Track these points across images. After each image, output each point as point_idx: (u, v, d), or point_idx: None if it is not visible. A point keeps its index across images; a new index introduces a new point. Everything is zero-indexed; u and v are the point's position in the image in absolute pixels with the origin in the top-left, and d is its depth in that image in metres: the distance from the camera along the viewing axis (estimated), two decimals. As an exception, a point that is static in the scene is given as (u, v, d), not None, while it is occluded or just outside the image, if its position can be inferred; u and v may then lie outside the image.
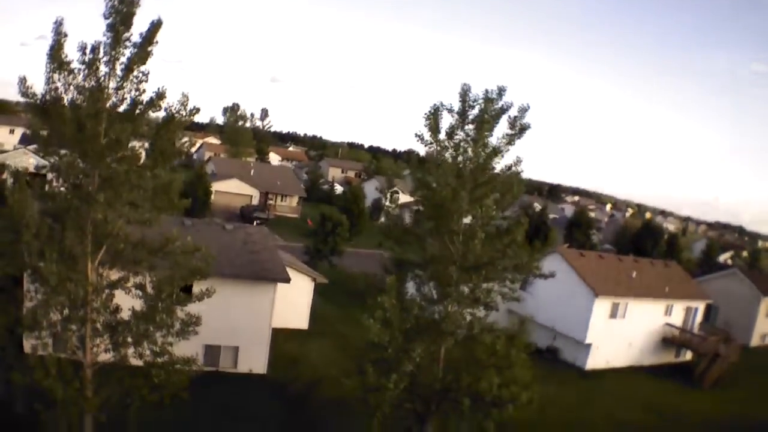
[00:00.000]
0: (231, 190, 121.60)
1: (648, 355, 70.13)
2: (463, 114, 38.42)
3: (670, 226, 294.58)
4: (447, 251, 38.57)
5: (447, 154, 38.78)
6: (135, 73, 29.48)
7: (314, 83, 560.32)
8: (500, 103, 38.10)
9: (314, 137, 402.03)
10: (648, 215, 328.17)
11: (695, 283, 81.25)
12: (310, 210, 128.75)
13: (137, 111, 29.93)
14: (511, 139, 38.66)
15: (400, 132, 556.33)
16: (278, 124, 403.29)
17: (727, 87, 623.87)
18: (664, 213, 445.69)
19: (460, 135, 38.57)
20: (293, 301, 56.12)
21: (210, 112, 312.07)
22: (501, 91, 38.09)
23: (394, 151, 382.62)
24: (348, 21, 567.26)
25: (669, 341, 71.25)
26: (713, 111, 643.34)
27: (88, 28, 30.59)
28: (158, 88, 30.25)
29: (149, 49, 29.63)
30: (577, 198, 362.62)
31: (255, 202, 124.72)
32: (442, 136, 38.61)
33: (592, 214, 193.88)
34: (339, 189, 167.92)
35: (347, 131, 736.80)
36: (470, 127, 38.31)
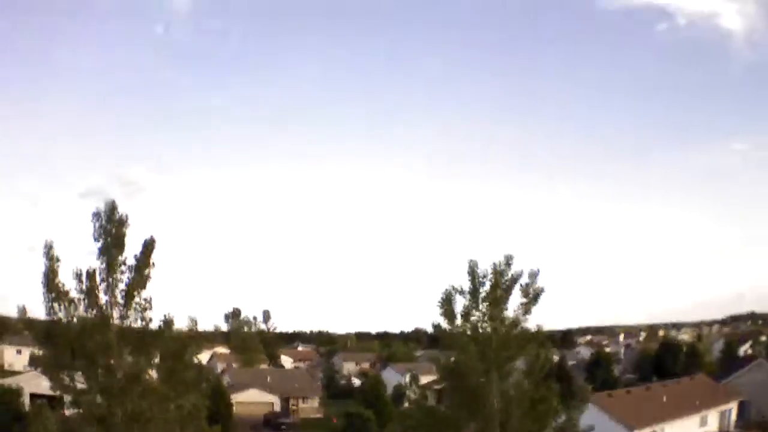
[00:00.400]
0: (251, 399, 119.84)
1: None
2: (474, 293, 39.55)
3: (685, 336, 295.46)
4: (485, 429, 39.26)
5: (466, 336, 39.64)
6: (137, 299, 29.50)
7: (314, 278, 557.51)
8: (510, 273, 39.42)
9: (320, 332, 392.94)
10: (661, 333, 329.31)
11: (723, 387, 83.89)
12: (332, 407, 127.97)
13: (148, 340, 29.87)
14: (527, 308, 39.78)
15: (406, 313, 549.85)
16: (282, 324, 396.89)
17: (711, 174, 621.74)
18: (675, 325, 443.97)
19: (476, 315, 39.66)
20: None
21: (212, 319, 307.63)
22: (509, 261, 39.48)
23: (402, 333, 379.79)
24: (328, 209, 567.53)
25: None
26: (700, 204, 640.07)
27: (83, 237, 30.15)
28: (164, 316, 30.05)
29: (147, 272, 29.65)
30: (589, 337, 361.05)
31: (276, 408, 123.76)
32: (458, 320, 39.80)
33: (608, 349, 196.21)
34: (357, 382, 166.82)
35: (352, 321, 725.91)
36: (484, 304, 39.46)
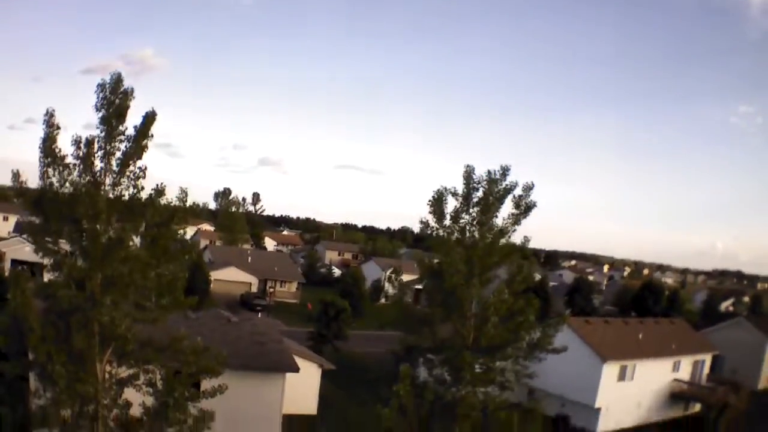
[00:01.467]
0: (229, 278, 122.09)
1: (657, 411, 72.19)
2: (467, 197, 39.95)
3: (669, 280, 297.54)
4: (459, 336, 39.96)
5: (453, 238, 40.11)
6: (131, 168, 29.98)
7: (305, 165, 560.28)
8: (504, 183, 39.69)
9: (307, 220, 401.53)
10: (646, 272, 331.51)
11: (701, 337, 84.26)
12: (309, 294, 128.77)
13: (136, 209, 30.36)
14: (516, 219, 40.10)
15: (394, 211, 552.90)
16: (270, 207, 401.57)
17: (716, 132, 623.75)
18: (661, 267, 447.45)
19: (465, 218, 40.11)
20: (301, 387, 55.90)
21: (201, 197, 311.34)
22: (505, 171, 39.71)
23: (389, 229, 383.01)
24: (334, 99, 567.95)
25: (677, 396, 73.45)
26: (702, 158, 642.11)
27: (82, 113, 30.76)
28: (157, 185, 30.66)
29: (144, 142, 30.08)
30: (574, 262, 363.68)
31: (254, 289, 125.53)
32: (447, 221, 40.17)
33: (591, 278, 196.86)
34: (337, 272, 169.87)
35: (340, 212, 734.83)
36: (475, 209, 39.87)
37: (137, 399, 31.55)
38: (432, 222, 40.59)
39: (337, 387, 67.48)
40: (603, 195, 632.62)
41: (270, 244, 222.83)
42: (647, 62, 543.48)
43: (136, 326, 30.43)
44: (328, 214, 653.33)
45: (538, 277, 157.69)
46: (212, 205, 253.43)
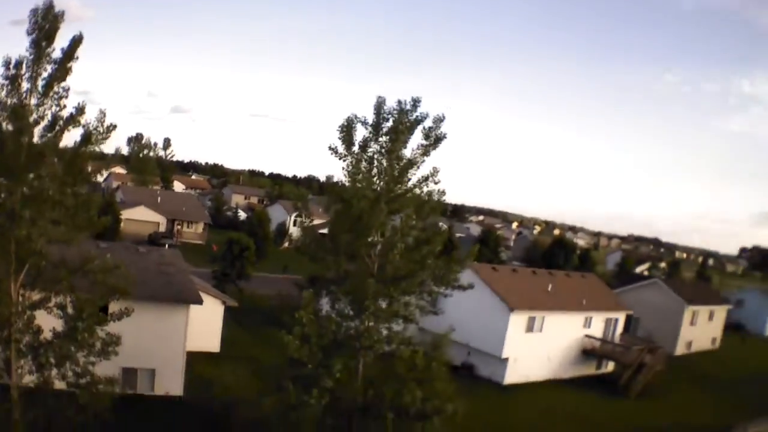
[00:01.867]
0: (139, 217, 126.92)
1: (568, 367, 71.71)
2: (377, 126, 39.16)
3: (581, 241, 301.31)
4: (364, 265, 39.28)
5: (362, 167, 39.38)
6: (55, 89, 30.62)
7: (215, 113, 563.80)
8: (415, 115, 39.01)
9: (215, 165, 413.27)
10: (557, 232, 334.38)
11: (614, 295, 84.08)
12: (215, 236, 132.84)
13: (58, 127, 30.95)
14: (426, 150, 39.54)
15: (301, 159, 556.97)
16: (180, 153, 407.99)
17: (639, 99, 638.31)
18: (573, 229, 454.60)
19: (374, 147, 39.31)
20: (204, 324, 56.41)
21: (115, 142, 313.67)
22: (416, 103, 38.96)
23: (295, 177, 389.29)
24: (242, 48, 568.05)
25: (589, 353, 73.04)
26: (625, 124, 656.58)
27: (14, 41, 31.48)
28: (78, 103, 31.29)
29: (69, 65, 30.84)
30: (482, 218, 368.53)
31: (162, 228, 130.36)
32: (355, 148, 39.27)
33: (500, 233, 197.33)
34: (243, 215, 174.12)
35: (248, 159, 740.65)
36: (384, 139, 38.99)
37: (49, 326, 32.44)
38: (341, 149, 39.70)
39: (240, 326, 68.13)
40: (516, 151, 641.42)
41: (179, 187, 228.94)
42: (576, 22, 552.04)
43: (50, 247, 31.31)
44: (236, 161, 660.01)
45: (444, 225, 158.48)
46: (125, 150, 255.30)
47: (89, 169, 32.84)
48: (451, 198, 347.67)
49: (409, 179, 40.11)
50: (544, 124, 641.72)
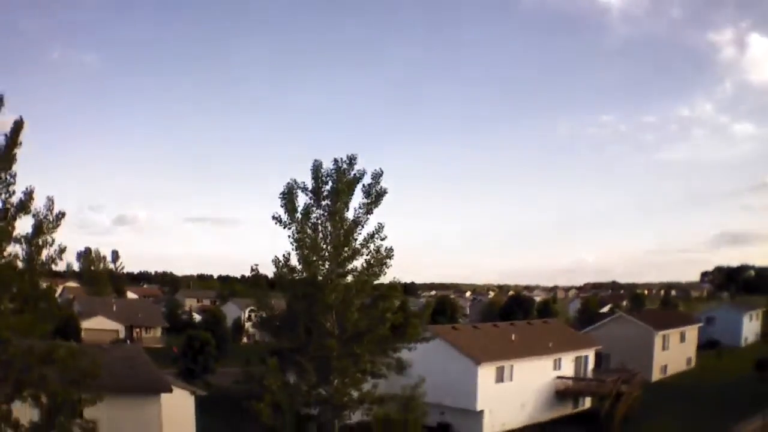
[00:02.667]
0: (97, 326, 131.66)
1: (544, 411, 73.93)
2: (317, 191, 41.91)
3: (538, 298, 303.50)
4: (323, 328, 41.46)
5: (307, 233, 41.78)
6: (2, 176, 31.39)
7: (157, 220, 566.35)
8: (352, 173, 41.74)
9: (165, 273, 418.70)
10: (511, 293, 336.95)
11: (579, 335, 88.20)
12: (173, 339, 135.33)
13: (9, 214, 31.68)
14: (369, 208, 42.17)
15: (249, 259, 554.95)
16: (129, 264, 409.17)
17: (577, 147, 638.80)
18: (528, 288, 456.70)
19: (317, 213, 42.05)
20: (177, 417, 55.39)
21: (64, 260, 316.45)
22: (352, 161, 41.65)
23: (243, 277, 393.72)
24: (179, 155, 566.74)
25: (564, 393, 75.53)
26: (562, 174, 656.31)
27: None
28: (26, 188, 32.07)
29: (14, 152, 31.57)
30: (434, 292, 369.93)
31: (121, 335, 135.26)
32: (298, 215, 41.90)
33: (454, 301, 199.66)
34: (197, 317, 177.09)
35: (196, 264, 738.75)
36: (326, 202, 41.73)
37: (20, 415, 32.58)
38: (284, 218, 42.25)
39: (212, 416, 68.25)
40: (460, 226, 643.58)
41: (132, 297, 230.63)
42: (496, 79, 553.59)
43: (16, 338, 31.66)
44: (184, 266, 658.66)
45: (397, 302, 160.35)
46: (76, 266, 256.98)
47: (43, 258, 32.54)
48: (402, 276, 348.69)
49: (356, 239, 42.28)
50: (484, 190, 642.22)
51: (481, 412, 66.99)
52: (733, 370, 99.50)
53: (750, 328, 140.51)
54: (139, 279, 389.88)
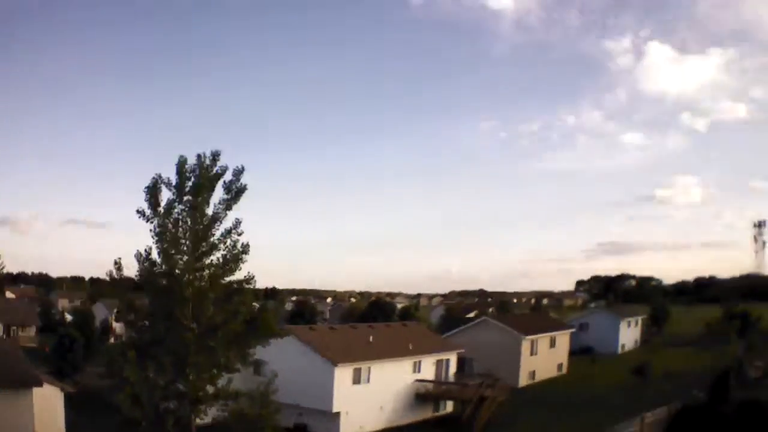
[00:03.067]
0: None
1: (404, 413, 76.10)
2: (180, 187, 43.48)
3: (400, 304, 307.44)
4: (180, 321, 42.60)
5: (168, 227, 43.34)
6: None
7: (37, 221, 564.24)
8: (215, 169, 43.64)
9: (41, 274, 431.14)
10: (373, 299, 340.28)
11: (440, 338, 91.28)
12: (47, 339, 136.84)
13: None
14: (228, 204, 44.15)
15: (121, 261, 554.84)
16: (10, 265, 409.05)
17: (455, 154, 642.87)
18: (391, 295, 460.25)
19: (179, 208, 43.54)
20: (47, 412, 56.78)
21: None
22: (215, 156, 43.55)
23: (111, 277, 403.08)
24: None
25: (424, 396, 77.80)
26: (438, 180, 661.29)
27: None
28: None
29: None
30: (295, 297, 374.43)
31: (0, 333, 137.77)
32: (161, 209, 43.47)
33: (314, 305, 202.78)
34: (69, 317, 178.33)
35: (72, 266, 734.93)
36: (189, 197, 43.28)
37: None
38: (148, 211, 43.75)
39: (80, 413, 69.49)
40: (323, 229, 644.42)
41: (9, 297, 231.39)
42: (377, 84, 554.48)
43: None
44: (60, 268, 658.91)
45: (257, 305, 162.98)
46: None
47: None
48: (262, 283, 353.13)
49: (214, 234, 44.06)
50: (354, 196, 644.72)
51: (338, 413, 68.79)
52: (609, 377, 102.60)
53: (628, 335, 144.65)
54: (18, 279, 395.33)
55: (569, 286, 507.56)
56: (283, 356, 63.91)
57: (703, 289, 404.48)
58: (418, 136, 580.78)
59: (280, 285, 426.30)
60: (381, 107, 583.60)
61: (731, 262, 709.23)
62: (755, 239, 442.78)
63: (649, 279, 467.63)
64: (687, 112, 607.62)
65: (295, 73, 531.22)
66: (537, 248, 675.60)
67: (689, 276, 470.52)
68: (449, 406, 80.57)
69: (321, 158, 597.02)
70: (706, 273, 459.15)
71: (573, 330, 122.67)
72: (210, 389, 42.95)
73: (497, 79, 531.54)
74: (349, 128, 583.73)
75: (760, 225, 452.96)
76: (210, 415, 46.55)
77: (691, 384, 75.13)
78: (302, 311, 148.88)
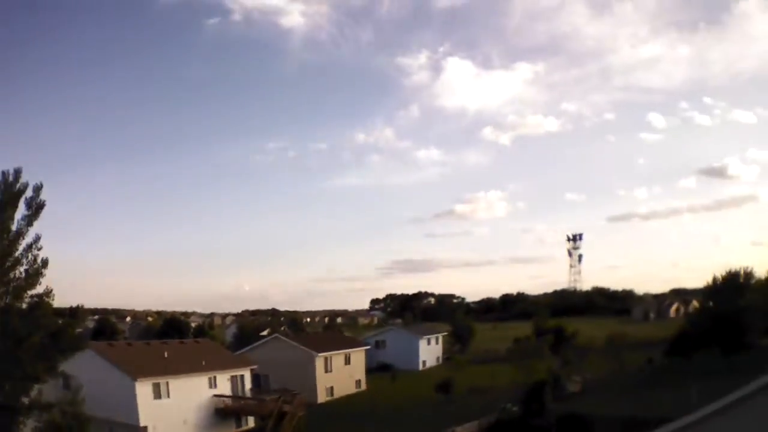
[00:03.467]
0: None
1: (207, 428, 77.01)
2: None
3: (194, 323, 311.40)
4: None
5: None
6: None
7: None
8: (17, 186, 44.09)
9: None
10: (168, 317, 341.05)
11: (233, 354, 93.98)
12: None
13: None
14: (30, 220, 44.51)
15: None
16: None
17: (237, 175, 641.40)
18: (185, 314, 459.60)
19: None
20: None
21: None
22: (18, 173, 44.08)
23: None
24: None
25: (224, 411, 78.73)
26: (226, 202, 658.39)
27: None
28: None
29: None
30: (96, 317, 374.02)
31: None
32: None
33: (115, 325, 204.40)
34: None
35: None
36: None
37: None
38: None
39: None
40: (123, 249, 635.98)
41: None
42: (165, 101, 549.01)
43: None
44: None
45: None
46: None
47: None
48: (65, 302, 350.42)
49: (18, 249, 44.40)
50: (148, 214, 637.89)
51: (145, 428, 69.33)
52: (411, 392, 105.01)
53: (429, 351, 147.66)
54: None
55: (364, 305, 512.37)
56: (88, 371, 63.25)
57: (510, 306, 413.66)
58: (207, 155, 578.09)
59: (84, 303, 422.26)
60: (174, 128, 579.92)
61: (545, 277, 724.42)
62: (569, 253, 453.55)
63: (450, 296, 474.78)
64: (489, 127, 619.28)
65: (95, 88, 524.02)
66: (331, 267, 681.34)
67: (495, 294, 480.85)
68: (251, 422, 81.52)
69: (117, 174, 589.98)
70: (515, 290, 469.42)
71: (368, 347, 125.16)
72: (26, 400, 43.27)
73: (286, 99, 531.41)
74: (144, 144, 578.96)
75: (574, 238, 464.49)
76: (29, 426, 46.73)
77: (501, 399, 78.11)
78: (103, 329, 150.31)
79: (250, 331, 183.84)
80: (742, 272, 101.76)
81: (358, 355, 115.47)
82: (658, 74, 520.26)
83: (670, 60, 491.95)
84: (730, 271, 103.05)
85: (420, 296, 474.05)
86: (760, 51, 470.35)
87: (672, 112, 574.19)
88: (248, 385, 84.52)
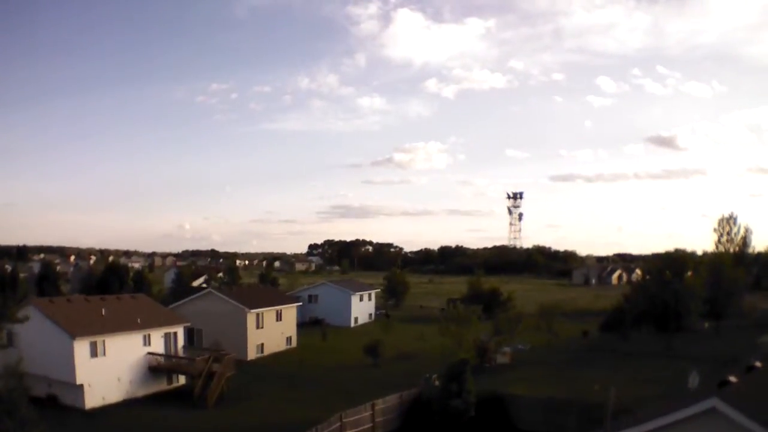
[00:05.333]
0: None
1: (140, 386, 78.68)
2: None
3: (136, 264, 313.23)
4: None
5: None
6: None
7: None
8: None
9: None
10: (111, 258, 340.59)
11: (167, 310, 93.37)
12: None
13: None
14: None
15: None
16: None
17: (183, 113, 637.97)
18: (127, 253, 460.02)
19: None
20: None
21: None
22: None
23: None
24: None
25: (156, 369, 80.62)
26: (169, 140, 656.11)
27: None
28: None
29: None
30: (42, 255, 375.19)
31: None
32: None
33: (59, 268, 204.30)
34: None
35: None
36: None
37: None
38: None
39: None
40: (66, 185, 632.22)
41: None
42: (114, 42, 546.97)
43: None
44: None
45: (9, 268, 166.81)
46: None
47: None
48: (13, 240, 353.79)
49: None
50: (90, 151, 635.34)
51: (82, 385, 71.05)
52: (339, 352, 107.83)
53: (361, 308, 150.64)
54: None
55: (303, 248, 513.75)
56: (31, 328, 67.46)
57: (449, 258, 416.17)
58: (152, 94, 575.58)
59: (30, 242, 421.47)
60: (121, 65, 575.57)
61: (485, 231, 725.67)
62: (509, 211, 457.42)
63: (388, 245, 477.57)
64: (434, 79, 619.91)
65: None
66: (270, 209, 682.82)
67: (434, 245, 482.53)
68: (182, 379, 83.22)
69: (65, 109, 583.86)
70: (453, 242, 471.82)
71: (300, 304, 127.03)
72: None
73: (234, 41, 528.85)
74: (91, 81, 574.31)
75: (515, 197, 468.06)
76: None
77: (425, 369, 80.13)
78: (47, 274, 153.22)
79: (188, 277, 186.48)
80: (683, 254, 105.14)
81: (290, 312, 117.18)
82: (612, 40, 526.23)
83: (626, 27, 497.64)
84: (669, 252, 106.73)
85: (358, 244, 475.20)
86: (719, 27, 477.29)
87: (623, 77, 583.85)
88: (181, 342, 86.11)
